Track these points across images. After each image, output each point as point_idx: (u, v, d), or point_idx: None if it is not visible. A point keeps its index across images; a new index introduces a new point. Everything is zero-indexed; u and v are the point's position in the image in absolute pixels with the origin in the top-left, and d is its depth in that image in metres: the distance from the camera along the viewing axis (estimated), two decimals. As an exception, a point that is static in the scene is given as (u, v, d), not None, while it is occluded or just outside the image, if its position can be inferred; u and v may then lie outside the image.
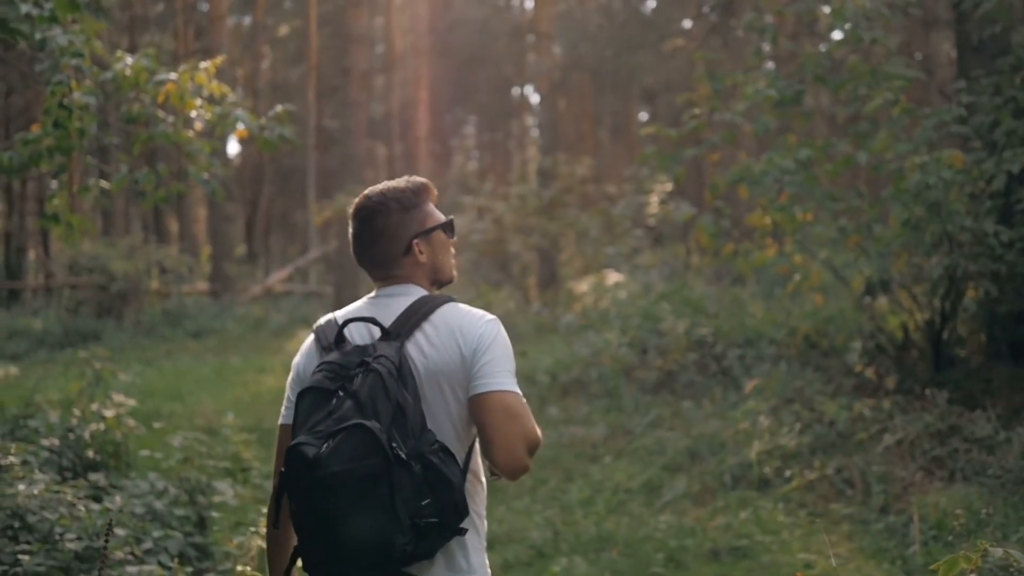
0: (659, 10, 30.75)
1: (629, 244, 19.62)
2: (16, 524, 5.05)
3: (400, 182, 2.96)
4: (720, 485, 7.85)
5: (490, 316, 2.79)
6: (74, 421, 7.33)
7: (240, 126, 8.09)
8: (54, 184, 8.01)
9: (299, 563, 2.69)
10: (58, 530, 5.03)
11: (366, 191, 2.95)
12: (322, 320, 2.90)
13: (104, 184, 8.22)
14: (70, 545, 4.88)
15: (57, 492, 5.38)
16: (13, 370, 13.51)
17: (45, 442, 6.78)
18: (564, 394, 11.32)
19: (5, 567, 4.70)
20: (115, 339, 18.86)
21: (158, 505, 6.07)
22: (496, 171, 42.01)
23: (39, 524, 5.07)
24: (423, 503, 2.51)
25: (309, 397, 2.62)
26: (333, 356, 2.68)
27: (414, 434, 2.57)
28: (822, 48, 12.49)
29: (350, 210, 2.96)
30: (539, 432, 2.70)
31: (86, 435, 7.18)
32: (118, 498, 5.85)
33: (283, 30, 42.07)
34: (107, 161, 17.83)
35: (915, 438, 7.59)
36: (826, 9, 10.22)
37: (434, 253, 2.93)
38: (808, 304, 11.67)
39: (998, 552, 2.73)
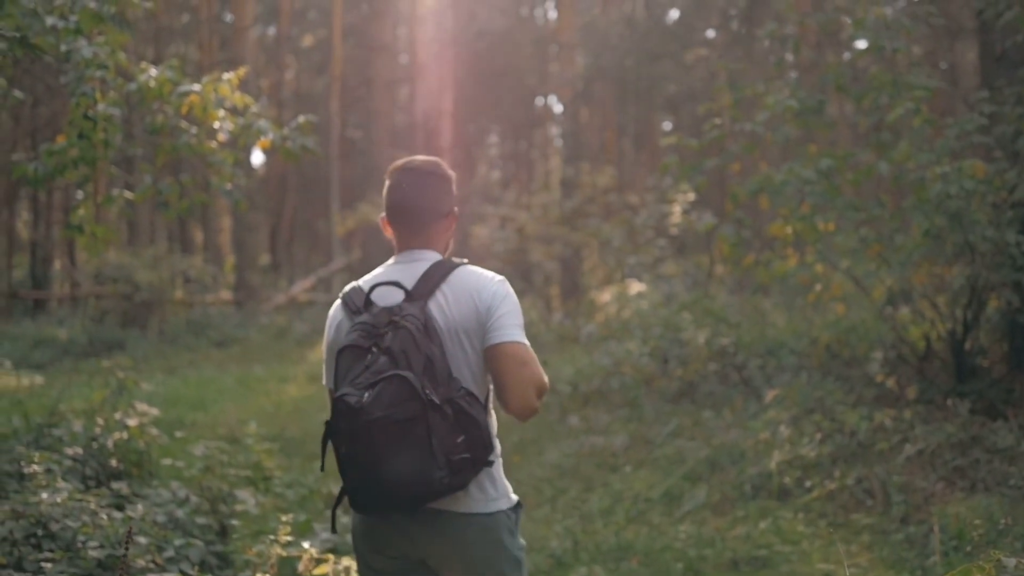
0: (681, 20, 30.75)
1: (652, 254, 19.58)
2: (39, 532, 5.09)
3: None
4: (740, 495, 7.84)
5: (500, 277, 3.16)
6: (97, 430, 7.38)
7: (263, 137, 8.15)
8: (79, 195, 8.08)
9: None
10: (80, 538, 5.07)
11: (410, 157, 3.31)
12: (348, 287, 3.20)
13: (128, 195, 8.29)
14: (92, 553, 4.91)
15: (80, 500, 5.43)
16: (38, 379, 13.59)
17: (68, 451, 6.83)
18: (585, 404, 11.32)
19: (28, 575, 4.74)
20: (139, 348, 18.98)
21: (180, 514, 6.11)
22: (519, 181, 42.03)
23: (62, 532, 5.11)
24: (457, 441, 2.87)
25: (347, 354, 2.95)
26: (364, 317, 3.01)
27: (443, 382, 2.91)
28: (846, 57, 12.48)
29: (395, 166, 3.28)
30: (546, 378, 3.07)
31: (109, 444, 7.23)
32: (140, 507, 5.89)
33: (307, 40, 42.28)
34: (131, 171, 17.96)
35: (936, 448, 7.57)
36: (848, 19, 10.21)
37: (453, 230, 3.34)
38: (829, 314, 11.64)
39: (1011, 562, 2.73)
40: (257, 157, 35.31)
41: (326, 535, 6.94)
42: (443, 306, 3.05)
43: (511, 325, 3.06)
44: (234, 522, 6.36)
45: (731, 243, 9.93)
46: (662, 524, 7.49)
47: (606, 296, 17.86)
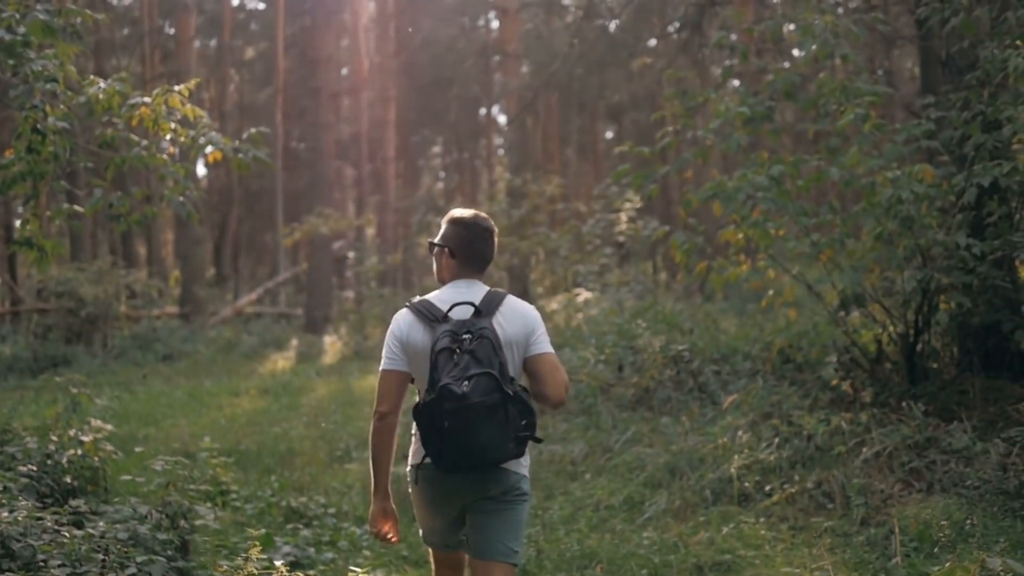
0: (626, 29, 30.86)
1: (598, 262, 19.63)
2: (-1, 551, 5.00)
3: None
4: (701, 500, 7.86)
5: (533, 306, 4.36)
6: (51, 447, 7.25)
7: (214, 148, 8.09)
8: (20, 209, 7.96)
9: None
10: (41, 556, 4.98)
11: (480, 214, 4.43)
12: (415, 300, 4.26)
13: (77, 208, 8.18)
14: (55, 572, 4.82)
15: (39, 518, 5.33)
16: (-16, 397, 13.38)
17: (23, 468, 6.70)
18: (541, 412, 11.30)
19: (-11, 595, 4.65)
20: (86, 364, 18.74)
21: (141, 530, 6.02)
22: (464, 191, 42.02)
23: (23, 551, 5.01)
24: (522, 423, 3.97)
25: (443, 355, 3.96)
26: (448, 326, 4.05)
27: (508, 381, 3.96)
28: (786, 65, 12.57)
29: (466, 218, 4.37)
30: (567, 379, 4.26)
31: (64, 461, 7.10)
32: (101, 524, 5.80)
33: (250, 53, 42.04)
34: (76, 184, 17.73)
35: (893, 450, 7.63)
36: (792, 26, 10.28)
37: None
38: (782, 319, 11.71)
39: (996, 562, 2.75)
40: (200, 169, 35.04)
41: (287, 548, 6.89)
42: (502, 324, 4.14)
43: (547, 341, 4.25)
44: (196, 537, 6.27)
45: (684, 250, 9.95)
46: (624, 531, 7.49)
47: (555, 304, 17.88)
